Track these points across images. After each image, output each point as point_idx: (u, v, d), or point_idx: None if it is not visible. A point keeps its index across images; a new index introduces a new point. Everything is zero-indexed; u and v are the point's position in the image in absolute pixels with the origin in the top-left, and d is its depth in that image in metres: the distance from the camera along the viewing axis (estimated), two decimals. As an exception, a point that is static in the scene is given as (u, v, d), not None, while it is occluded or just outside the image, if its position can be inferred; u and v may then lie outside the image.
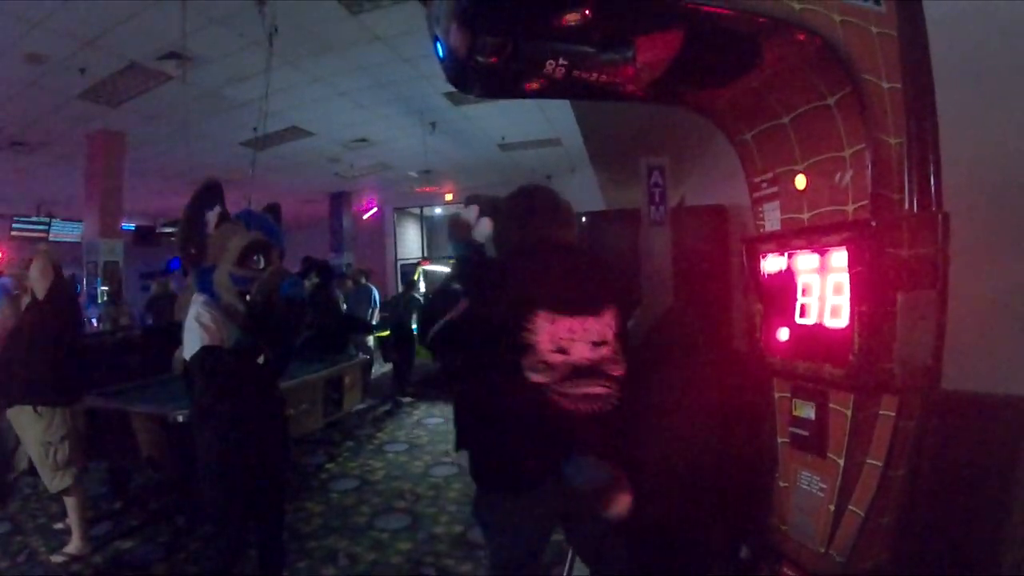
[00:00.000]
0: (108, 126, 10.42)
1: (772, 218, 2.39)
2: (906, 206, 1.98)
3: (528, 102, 10.79)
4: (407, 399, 10.05)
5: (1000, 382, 2.22)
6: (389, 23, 7.58)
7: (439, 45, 1.98)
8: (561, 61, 1.93)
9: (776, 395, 2.41)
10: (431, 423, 8.67)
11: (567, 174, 15.79)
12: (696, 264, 4.09)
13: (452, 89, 9.01)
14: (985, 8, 2.35)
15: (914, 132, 1.99)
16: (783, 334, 2.31)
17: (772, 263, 2.36)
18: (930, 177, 2.01)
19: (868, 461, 2.06)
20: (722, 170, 5.01)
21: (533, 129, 12.66)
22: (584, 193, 12.14)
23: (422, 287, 12.12)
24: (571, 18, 1.78)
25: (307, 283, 10.48)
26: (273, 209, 3.69)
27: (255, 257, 3.26)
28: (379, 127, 11.82)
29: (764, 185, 2.41)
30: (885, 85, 1.96)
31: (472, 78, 2.12)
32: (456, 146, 13.57)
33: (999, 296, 2.27)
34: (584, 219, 4.48)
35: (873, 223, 1.92)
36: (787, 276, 2.29)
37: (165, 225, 16.71)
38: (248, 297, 3.18)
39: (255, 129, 8.89)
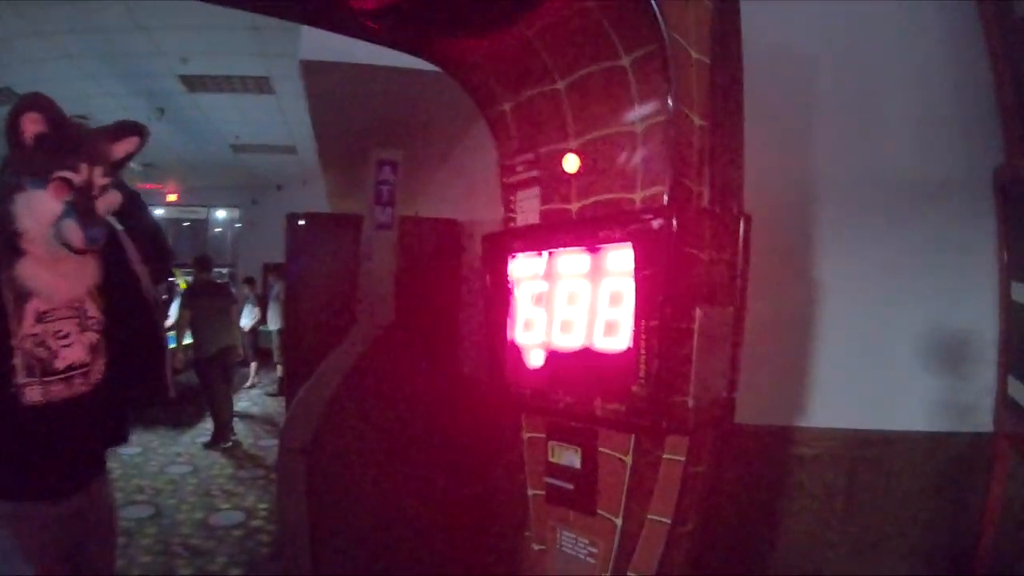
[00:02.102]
0: None
1: (528, 209, 1.90)
2: (706, 201, 1.58)
3: (267, 101, 10.00)
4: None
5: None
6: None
7: None
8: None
9: (525, 435, 1.92)
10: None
11: (299, 185, 15.08)
12: (423, 280, 3.68)
13: (189, 71, 8.12)
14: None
15: (721, 115, 1.61)
16: (536, 358, 1.81)
17: (524, 266, 1.86)
18: (734, 170, 1.67)
19: (651, 517, 1.64)
20: (462, 186, 4.82)
21: (269, 133, 11.91)
22: (316, 206, 11.50)
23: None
24: None
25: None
26: None
27: None
28: (103, 104, 10.34)
29: (521, 168, 1.92)
30: (694, 54, 1.54)
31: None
32: (185, 140, 12.40)
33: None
34: (301, 222, 3.93)
35: (673, 215, 1.46)
36: (545, 283, 1.79)
37: None
38: None
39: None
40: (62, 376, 2.03)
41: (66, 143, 2.03)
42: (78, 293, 2.09)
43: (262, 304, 11.85)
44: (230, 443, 7.76)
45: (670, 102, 1.50)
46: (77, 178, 2.01)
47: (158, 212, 17.96)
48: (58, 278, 2.04)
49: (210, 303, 7.78)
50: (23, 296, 1.98)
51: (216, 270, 9.66)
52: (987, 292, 2.60)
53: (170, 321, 10.61)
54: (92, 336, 2.11)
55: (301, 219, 3.93)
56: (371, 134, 4.53)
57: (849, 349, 2.67)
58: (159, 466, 6.95)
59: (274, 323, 11.00)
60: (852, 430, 2.64)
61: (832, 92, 2.71)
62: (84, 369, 2.08)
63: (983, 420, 2.57)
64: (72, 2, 7.14)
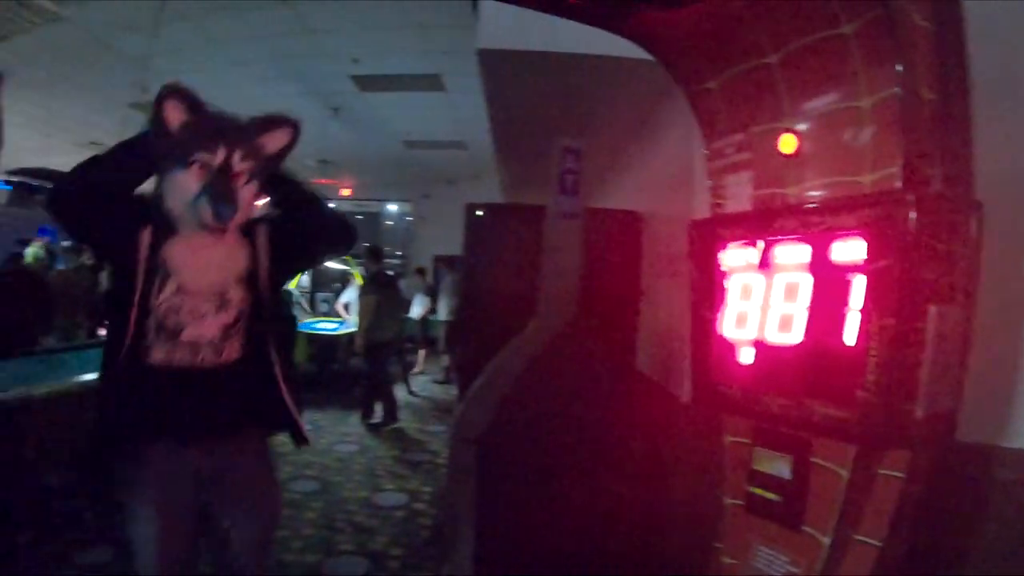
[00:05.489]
0: (-12, 65, 9.17)
1: (739, 195, 1.75)
2: (937, 185, 1.40)
3: (437, 98, 10.16)
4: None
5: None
6: (299, -16, 6.85)
7: None
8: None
9: (727, 439, 1.77)
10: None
11: (471, 180, 15.28)
12: (603, 274, 3.55)
13: (360, 72, 8.35)
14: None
15: (951, 89, 1.43)
16: (747, 355, 1.67)
17: (736, 256, 1.71)
18: (964, 150, 1.48)
19: (859, 538, 1.47)
20: (641, 176, 4.73)
21: (440, 129, 12.08)
22: (487, 200, 11.57)
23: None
24: None
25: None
26: None
27: None
28: (277, 106, 10.65)
29: (730, 151, 1.76)
30: (918, 19, 1.37)
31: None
32: (358, 137, 12.78)
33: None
34: (479, 213, 3.89)
35: (911, 200, 1.29)
36: (759, 275, 1.64)
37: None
38: None
39: (144, 91, 8.01)
40: (188, 346, 2.19)
41: (205, 128, 2.23)
42: (221, 278, 2.26)
43: (432, 294, 12.04)
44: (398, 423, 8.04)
45: (900, 74, 1.34)
46: (214, 160, 2.19)
47: (332, 206, 18.66)
48: (202, 262, 2.24)
49: (386, 292, 8.01)
50: (168, 272, 2.18)
51: (385, 261, 9.85)
52: None
53: (341, 303, 11.03)
54: (227, 318, 2.25)
55: (479, 210, 3.86)
56: (548, 124, 4.47)
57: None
58: (328, 444, 7.10)
59: (443, 313, 11.16)
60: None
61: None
62: (213, 345, 2.22)
63: None
64: (240, 11, 7.47)
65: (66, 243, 9.79)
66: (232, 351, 2.26)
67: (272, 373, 2.35)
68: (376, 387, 8.07)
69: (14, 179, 12.63)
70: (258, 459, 2.46)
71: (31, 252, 10.33)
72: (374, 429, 7.78)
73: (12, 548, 2.44)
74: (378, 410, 8.00)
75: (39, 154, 12.23)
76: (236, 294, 2.28)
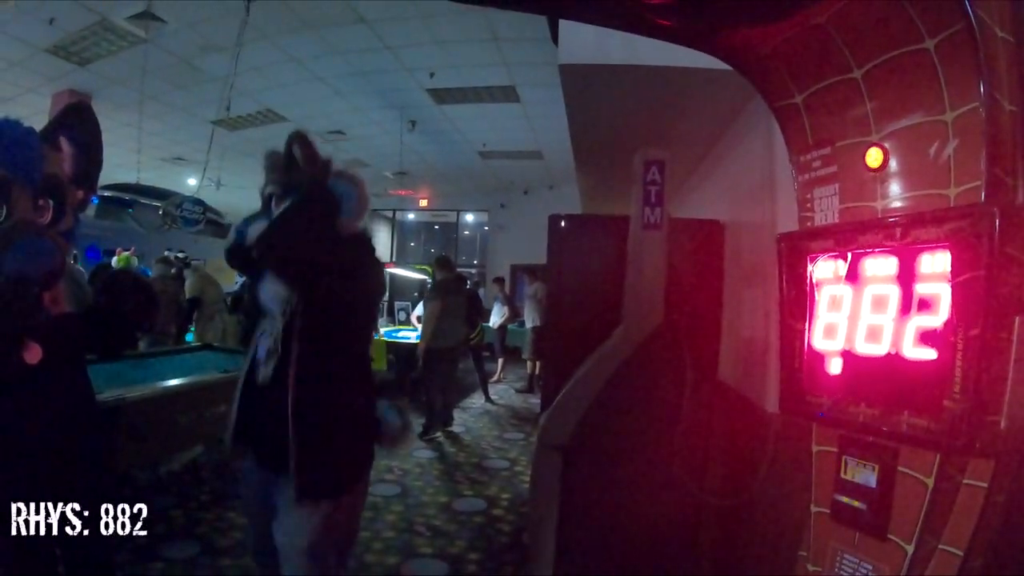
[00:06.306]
0: (75, 86, 9.61)
1: (826, 208, 1.79)
2: (1020, 197, 1.41)
3: (512, 109, 10.29)
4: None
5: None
6: (375, 4, 7.02)
7: None
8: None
9: (815, 448, 1.80)
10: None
11: (545, 189, 15.40)
12: (686, 284, 3.55)
13: (436, 85, 8.55)
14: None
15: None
16: (835, 366, 1.71)
17: (824, 268, 1.76)
18: None
19: (942, 547, 1.48)
20: (719, 187, 4.74)
21: (516, 139, 12.23)
22: (563, 209, 11.63)
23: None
24: None
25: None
26: (75, 115, 2.56)
27: None
28: (356, 120, 11.23)
29: (817, 164, 1.80)
30: (999, 32, 1.39)
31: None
32: (435, 148, 13.05)
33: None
34: (562, 223, 3.92)
35: (995, 214, 1.32)
36: (847, 286, 1.68)
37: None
38: None
39: (228, 108, 8.34)
40: (256, 363, 2.34)
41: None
42: (275, 300, 2.32)
43: (510, 303, 12.05)
44: (451, 425, 8.25)
45: (982, 88, 1.36)
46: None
47: (410, 216, 19.04)
48: (269, 286, 2.33)
49: (451, 300, 8.02)
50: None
51: (459, 270, 9.88)
52: None
53: (416, 315, 11.15)
54: (269, 340, 2.32)
55: (563, 220, 3.89)
56: (628, 135, 4.51)
57: None
58: (408, 450, 7.14)
59: (531, 321, 11.11)
60: None
61: None
62: (261, 365, 2.33)
63: None
64: (319, 30, 7.76)
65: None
66: (266, 374, 2.30)
67: (283, 406, 2.23)
68: (419, 390, 8.12)
69: (106, 193, 13.07)
70: (295, 493, 2.24)
71: (119, 260, 10.63)
72: (436, 438, 7.88)
73: (103, 541, 2.54)
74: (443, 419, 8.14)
75: (130, 170, 12.79)
76: (280, 316, 2.30)
